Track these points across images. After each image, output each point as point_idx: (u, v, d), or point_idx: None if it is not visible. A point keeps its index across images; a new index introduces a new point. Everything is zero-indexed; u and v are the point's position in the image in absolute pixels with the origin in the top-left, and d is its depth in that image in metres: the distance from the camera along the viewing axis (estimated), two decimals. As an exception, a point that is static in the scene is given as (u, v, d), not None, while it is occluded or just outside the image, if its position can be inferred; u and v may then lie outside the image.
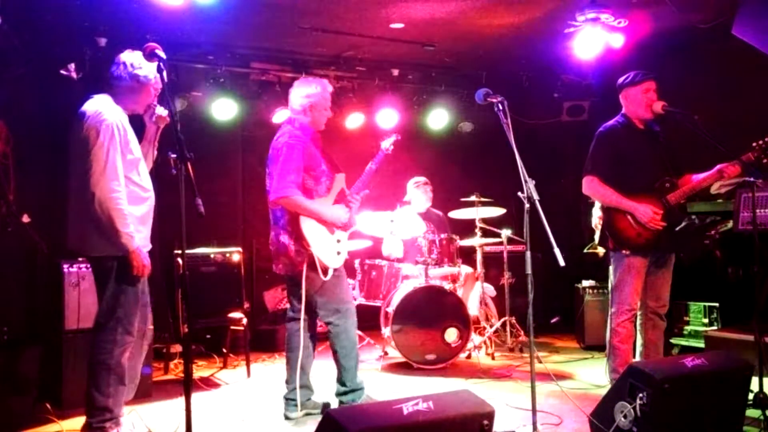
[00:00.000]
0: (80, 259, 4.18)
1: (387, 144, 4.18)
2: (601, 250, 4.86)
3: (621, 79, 4.08)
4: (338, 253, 3.84)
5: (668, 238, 3.90)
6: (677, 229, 3.89)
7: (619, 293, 3.96)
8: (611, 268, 4.05)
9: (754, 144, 3.67)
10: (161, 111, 3.51)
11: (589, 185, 4.02)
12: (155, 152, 3.64)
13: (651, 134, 4.06)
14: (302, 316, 3.85)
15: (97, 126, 3.24)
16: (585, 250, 5.89)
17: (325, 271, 3.74)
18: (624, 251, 3.93)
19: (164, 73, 2.95)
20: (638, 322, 4.08)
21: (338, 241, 3.87)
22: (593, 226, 4.62)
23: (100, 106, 3.33)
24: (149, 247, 3.52)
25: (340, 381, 3.90)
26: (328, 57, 6.25)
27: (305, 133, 3.84)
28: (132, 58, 3.41)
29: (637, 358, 4.05)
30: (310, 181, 3.80)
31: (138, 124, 3.59)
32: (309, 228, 3.71)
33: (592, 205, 4.69)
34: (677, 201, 3.88)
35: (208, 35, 5.50)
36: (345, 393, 3.87)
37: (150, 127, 3.61)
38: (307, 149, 3.78)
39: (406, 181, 6.18)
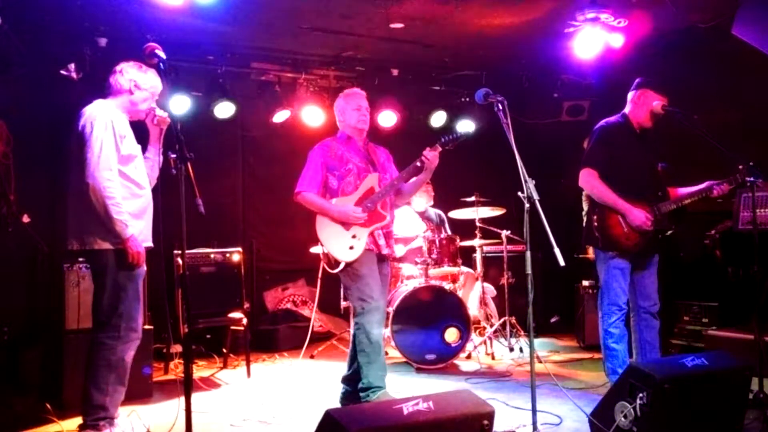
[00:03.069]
0: (80, 259, 4.18)
1: (436, 149, 3.98)
2: (593, 254, 4.86)
3: (645, 78, 4.08)
4: (351, 248, 3.88)
5: (654, 242, 3.99)
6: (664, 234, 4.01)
7: (608, 294, 4.00)
8: (598, 269, 4.08)
9: (741, 167, 3.76)
10: (161, 113, 3.61)
11: (587, 178, 4.02)
12: (161, 157, 3.69)
13: (645, 141, 4.11)
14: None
15: (92, 120, 3.36)
16: (575, 255, 5.87)
17: (333, 264, 3.88)
18: (610, 252, 3.97)
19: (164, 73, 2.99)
20: (632, 323, 4.11)
21: (353, 236, 3.89)
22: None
23: (98, 106, 3.46)
24: (148, 242, 3.55)
25: (360, 377, 3.88)
26: (328, 57, 6.25)
27: (339, 139, 4.07)
28: (130, 68, 3.55)
29: (633, 359, 4.06)
30: (333, 180, 3.96)
31: (142, 130, 3.66)
32: (320, 223, 3.91)
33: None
34: (667, 210, 3.97)
35: (208, 35, 5.49)
36: (362, 389, 3.82)
37: (153, 130, 3.68)
38: (329, 152, 3.99)
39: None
